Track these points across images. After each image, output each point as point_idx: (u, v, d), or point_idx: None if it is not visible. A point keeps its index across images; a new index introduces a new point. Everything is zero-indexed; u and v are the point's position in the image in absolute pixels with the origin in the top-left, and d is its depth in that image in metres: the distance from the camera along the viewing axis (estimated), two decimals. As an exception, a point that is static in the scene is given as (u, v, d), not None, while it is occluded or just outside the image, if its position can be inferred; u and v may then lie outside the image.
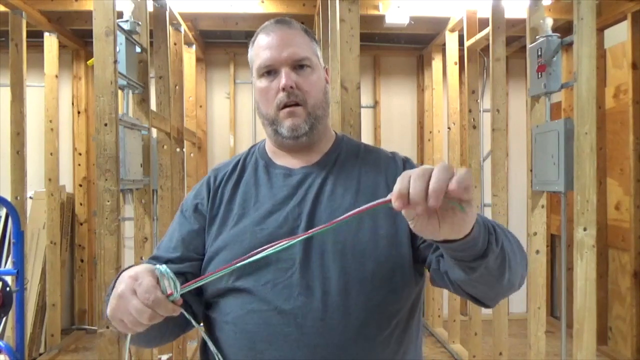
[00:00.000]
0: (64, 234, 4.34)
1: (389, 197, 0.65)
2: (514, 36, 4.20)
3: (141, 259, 2.66)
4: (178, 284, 0.75)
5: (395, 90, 5.01)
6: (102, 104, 2.14)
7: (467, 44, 3.63)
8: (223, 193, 1.01)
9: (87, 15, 3.87)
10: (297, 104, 0.97)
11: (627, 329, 3.66)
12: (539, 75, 2.58)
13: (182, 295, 0.76)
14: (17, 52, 3.40)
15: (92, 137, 4.17)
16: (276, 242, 0.75)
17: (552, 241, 4.73)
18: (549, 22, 2.61)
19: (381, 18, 3.81)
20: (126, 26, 2.54)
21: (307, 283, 0.88)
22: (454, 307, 4.04)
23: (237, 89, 4.85)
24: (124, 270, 0.80)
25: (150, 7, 2.95)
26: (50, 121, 4.16)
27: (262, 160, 1.04)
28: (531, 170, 2.73)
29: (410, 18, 3.77)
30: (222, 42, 4.78)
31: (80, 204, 4.62)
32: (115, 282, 0.79)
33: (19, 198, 3.32)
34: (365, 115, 4.76)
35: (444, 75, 4.35)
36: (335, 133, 1.09)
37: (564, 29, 3.38)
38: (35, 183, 4.18)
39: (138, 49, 2.65)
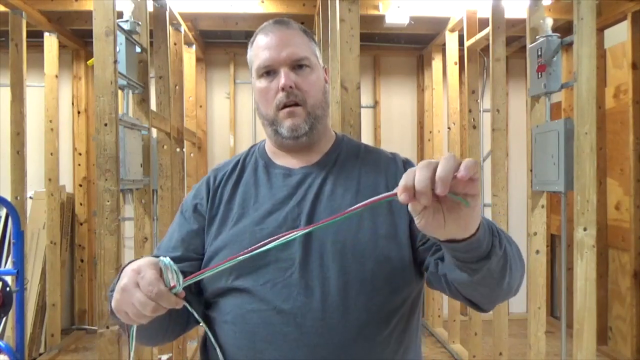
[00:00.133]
0: (64, 234, 4.34)
1: (395, 190, 0.64)
2: (514, 36, 4.20)
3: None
4: (181, 277, 0.75)
5: (395, 90, 5.01)
6: (102, 104, 2.14)
7: (467, 44, 3.63)
8: (222, 193, 1.01)
9: (87, 15, 3.87)
10: (296, 104, 0.97)
11: (627, 329, 3.66)
12: (539, 75, 2.58)
13: (185, 298, 0.77)
14: (17, 52, 3.40)
15: (92, 137, 4.18)
16: (281, 235, 0.74)
17: (552, 241, 4.73)
18: (549, 22, 2.61)
19: (381, 18, 3.81)
20: (126, 26, 2.54)
21: (306, 283, 0.88)
22: (454, 307, 4.04)
23: (237, 89, 4.85)
24: (127, 264, 0.81)
25: (150, 7, 2.95)
26: (50, 121, 4.16)
27: (261, 160, 1.04)
28: (531, 170, 2.73)
29: (410, 18, 3.77)
30: (222, 42, 4.78)
31: (80, 204, 4.62)
32: (120, 275, 0.80)
33: (19, 198, 3.32)
34: (365, 115, 4.76)
35: (444, 75, 4.35)
36: (335, 133, 1.09)
37: (564, 29, 3.38)
38: (35, 183, 4.18)
39: (138, 49, 2.65)
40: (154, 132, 3.07)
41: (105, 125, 2.14)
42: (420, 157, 4.90)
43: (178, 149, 3.47)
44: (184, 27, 3.74)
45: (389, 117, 4.97)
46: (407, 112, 5.01)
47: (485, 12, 3.27)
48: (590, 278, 2.21)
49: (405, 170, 1.00)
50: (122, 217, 2.54)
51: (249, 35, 1.15)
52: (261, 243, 0.75)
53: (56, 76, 4.15)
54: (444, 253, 0.81)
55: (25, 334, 2.96)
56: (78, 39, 4.50)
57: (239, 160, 1.06)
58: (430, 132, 4.61)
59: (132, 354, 0.82)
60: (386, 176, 0.99)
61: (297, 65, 0.97)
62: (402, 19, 3.74)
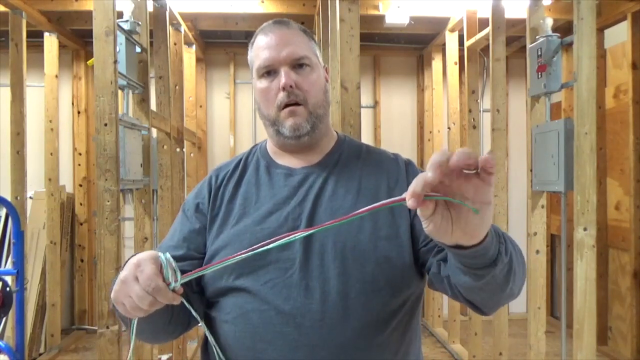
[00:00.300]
0: (64, 234, 4.34)
1: (403, 195, 0.64)
2: (514, 36, 4.20)
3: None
4: (179, 273, 0.76)
5: (395, 90, 5.01)
6: (102, 104, 2.14)
7: (467, 44, 3.63)
8: (224, 193, 1.01)
9: (87, 15, 3.87)
10: (297, 104, 0.96)
11: (627, 329, 3.66)
12: (539, 75, 2.58)
13: (184, 295, 0.77)
14: (17, 52, 3.40)
15: (92, 137, 4.18)
16: (284, 235, 0.74)
17: (552, 241, 4.73)
18: (549, 22, 2.61)
19: (381, 18, 3.81)
20: (126, 26, 2.54)
21: (306, 283, 0.88)
22: (454, 307, 4.04)
23: (237, 89, 4.85)
24: (131, 257, 0.82)
25: (150, 7, 2.95)
26: (50, 121, 4.16)
27: (263, 160, 1.04)
28: (531, 170, 2.73)
29: (410, 18, 3.77)
30: (222, 42, 4.78)
31: (80, 204, 4.62)
32: (123, 267, 0.81)
33: (19, 198, 3.32)
34: (365, 115, 4.76)
35: (444, 75, 4.35)
36: (337, 133, 1.08)
37: (564, 29, 3.38)
38: (35, 183, 4.18)
39: (138, 49, 2.65)
40: (154, 132, 3.07)
41: (105, 125, 2.14)
42: (421, 157, 4.90)
43: (178, 149, 3.47)
44: (184, 27, 3.74)
45: (389, 117, 4.97)
46: (407, 112, 5.01)
47: (485, 12, 3.28)
48: (590, 278, 2.21)
49: (407, 171, 1.00)
50: (122, 217, 2.54)
51: (249, 35, 1.15)
52: (262, 243, 0.75)
53: (56, 76, 4.15)
54: (448, 255, 0.80)
55: (25, 334, 2.96)
56: (78, 39, 4.50)
57: (240, 160, 1.06)
58: (430, 132, 4.61)
59: (132, 345, 0.83)
60: (387, 177, 0.99)
61: (298, 65, 0.97)
62: (402, 19, 3.74)
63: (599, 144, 2.90)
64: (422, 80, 4.94)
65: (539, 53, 2.57)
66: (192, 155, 4.43)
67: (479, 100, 3.84)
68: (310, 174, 0.99)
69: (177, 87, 3.53)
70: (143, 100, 2.73)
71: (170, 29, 3.38)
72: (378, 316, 0.89)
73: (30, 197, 4.19)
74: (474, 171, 0.62)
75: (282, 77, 0.95)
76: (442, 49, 4.34)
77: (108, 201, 2.13)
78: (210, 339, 0.90)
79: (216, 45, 4.79)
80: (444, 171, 0.60)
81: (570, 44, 2.37)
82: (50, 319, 4.07)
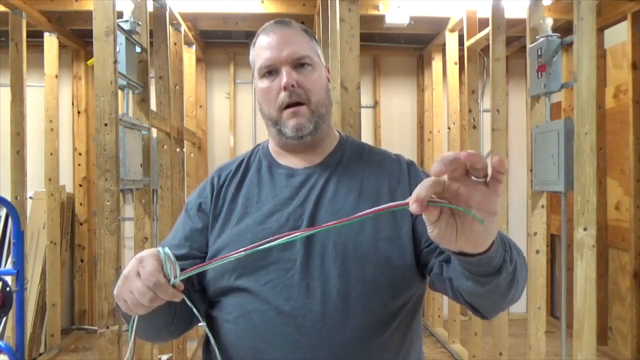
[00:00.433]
0: (64, 234, 4.34)
1: (407, 200, 0.62)
2: (514, 36, 4.20)
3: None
4: (178, 269, 0.76)
5: (395, 90, 5.01)
6: (102, 104, 2.14)
7: (467, 44, 3.63)
8: (226, 192, 1.01)
9: (87, 15, 3.87)
10: (299, 103, 0.96)
11: (627, 329, 3.67)
12: (539, 75, 2.58)
13: (186, 292, 0.78)
14: (17, 52, 3.40)
15: (92, 137, 4.18)
16: (290, 233, 0.73)
17: (552, 241, 4.73)
18: (549, 22, 2.61)
19: (381, 18, 3.81)
20: (126, 26, 2.54)
21: (307, 284, 0.88)
22: (454, 307, 4.04)
23: (237, 89, 4.85)
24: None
25: (150, 7, 2.95)
26: (50, 121, 4.16)
27: (265, 160, 1.04)
28: (531, 170, 2.73)
29: (410, 18, 3.77)
30: (222, 42, 4.78)
31: (80, 204, 4.62)
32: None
33: (19, 198, 3.32)
34: (365, 115, 4.76)
35: (444, 75, 4.35)
36: (339, 133, 1.08)
37: (564, 29, 3.38)
38: (35, 183, 4.18)
39: (138, 49, 2.65)
40: (154, 132, 3.07)
41: (105, 125, 2.14)
42: (420, 157, 4.90)
43: (178, 149, 3.47)
44: (184, 27, 3.74)
45: (389, 117, 4.97)
46: (407, 112, 5.01)
47: (485, 12, 3.27)
48: (590, 278, 2.21)
49: (409, 172, 1.00)
50: (122, 217, 2.55)
51: (249, 35, 1.14)
52: (263, 241, 0.74)
53: (56, 76, 4.14)
54: (451, 258, 0.79)
55: (25, 334, 2.96)
56: (78, 39, 4.50)
57: (243, 160, 1.06)
58: (430, 132, 4.61)
59: (131, 343, 0.82)
60: (389, 178, 0.99)
61: (299, 64, 0.97)
62: (402, 19, 3.74)
63: (599, 144, 2.90)
64: (422, 80, 4.94)
65: (539, 53, 2.57)
66: (192, 155, 4.43)
67: (479, 100, 3.84)
68: (312, 175, 0.99)
69: (177, 87, 3.53)
70: (143, 100, 2.73)
71: (170, 29, 3.38)
72: (379, 317, 0.89)
73: (30, 197, 4.19)
74: (483, 179, 0.61)
75: (284, 77, 0.95)
76: (442, 49, 4.34)
77: (108, 201, 2.13)
78: (211, 338, 0.91)
79: (216, 45, 4.79)
80: (451, 167, 0.59)
81: (570, 44, 2.37)
82: (50, 319, 4.07)
